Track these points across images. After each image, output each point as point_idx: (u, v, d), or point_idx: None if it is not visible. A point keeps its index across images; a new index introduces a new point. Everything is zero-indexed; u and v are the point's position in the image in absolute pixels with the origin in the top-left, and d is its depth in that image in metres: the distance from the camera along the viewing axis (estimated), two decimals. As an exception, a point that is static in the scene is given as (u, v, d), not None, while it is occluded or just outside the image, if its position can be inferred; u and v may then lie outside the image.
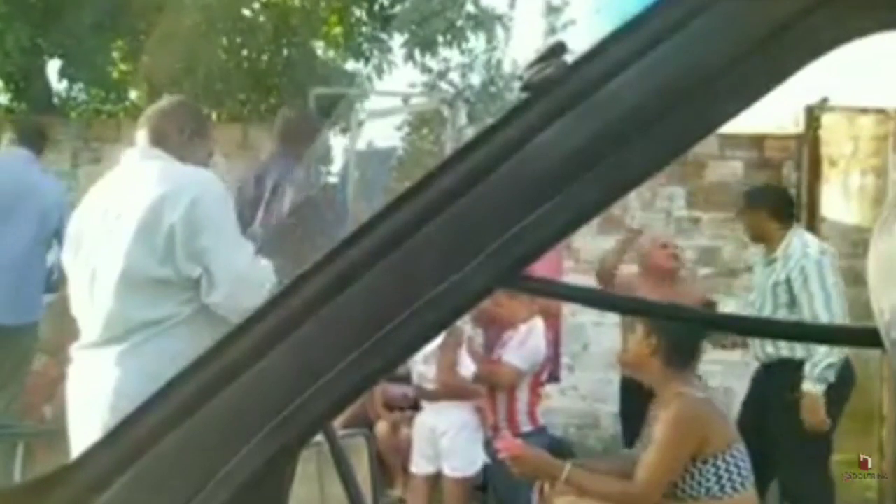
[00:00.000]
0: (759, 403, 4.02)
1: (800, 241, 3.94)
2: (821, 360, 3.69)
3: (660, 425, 2.84)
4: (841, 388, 3.80)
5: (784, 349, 3.88)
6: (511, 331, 4.16)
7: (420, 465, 4.11)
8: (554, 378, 4.70)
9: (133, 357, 2.25)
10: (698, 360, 3.05)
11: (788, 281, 3.84)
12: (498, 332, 4.24)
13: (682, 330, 2.90)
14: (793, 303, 3.86)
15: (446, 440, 4.04)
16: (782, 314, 3.85)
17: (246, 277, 2.33)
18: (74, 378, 2.39)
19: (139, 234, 2.26)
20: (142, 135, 2.49)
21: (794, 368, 3.80)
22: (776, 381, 3.90)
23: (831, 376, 3.71)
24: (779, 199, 4.16)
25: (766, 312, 3.89)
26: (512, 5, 8.64)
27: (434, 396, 4.12)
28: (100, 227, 2.37)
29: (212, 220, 2.31)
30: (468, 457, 4.03)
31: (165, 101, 2.65)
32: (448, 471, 4.03)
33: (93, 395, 2.26)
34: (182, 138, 2.49)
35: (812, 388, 3.72)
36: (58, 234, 4.27)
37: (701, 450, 2.79)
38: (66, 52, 7.75)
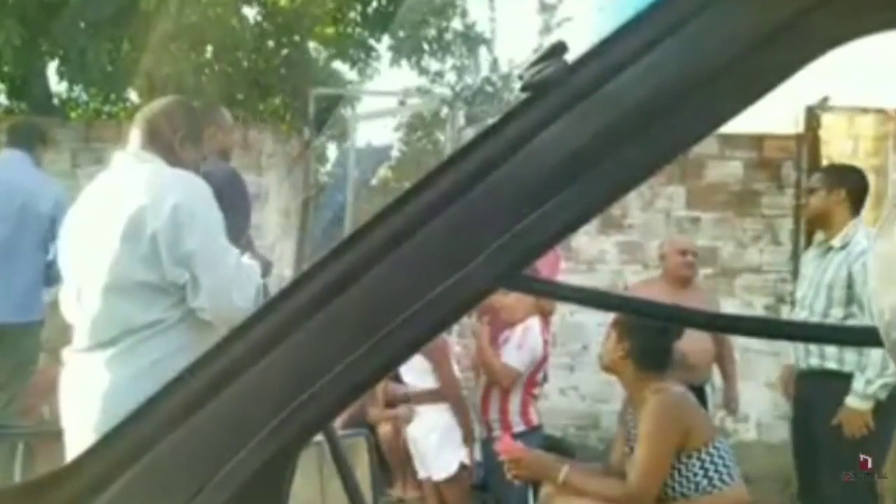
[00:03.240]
0: (803, 415, 3.78)
1: (864, 232, 3.51)
2: (874, 378, 3.39)
3: (643, 422, 2.86)
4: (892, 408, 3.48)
5: (831, 361, 3.55)
6: (508, 330, 4.16)
7: (420, 471, 4.17)
8: (543, 378, 4.70)
9: (122, 361, 2.25)
10: (671, 364, 3.07)
11: (850, 276, 3.46)
12: (498, 329, 4.25)
13: (653, 334, 2.94)
14: (850, 301, 3.49)
15: (423, 446, 4.10)
16: (836, 313, 3.51)
17: (231, 281, 2.32)
18: (67, 381, 2.39)
19: (125, 240, 2.26)
20: (134, 135, 2.48)
21: (839, 381, 3.51)
22: (818, 394, 3.63)
23: (883, 395, 3.41)
24: (860, 182, 3.69)
25: (818, 310, 3.56)
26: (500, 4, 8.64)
27: (422, 399, 4.16)
28: (89, 231, 2.37)
29: (195, 225, 2.28)
30: (444, 458, 4.11)
31: (160, 100, 2.62)
32: (431, 474, 4.12)
33: (84, 399, 2.26)
34: (174, 140, 2.47)
35: (859, 404, 3.43)
36: (55, 234, 4.28)
37: (685, 443, 2.82)
38: (66, 54, 7.75)
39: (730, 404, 4.72)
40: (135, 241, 2.25)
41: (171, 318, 2.29)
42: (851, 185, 3.62)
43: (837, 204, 3.57)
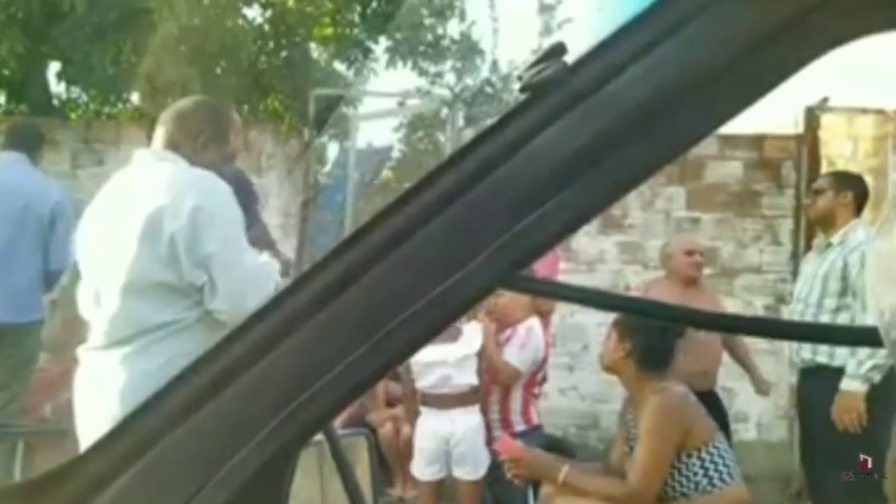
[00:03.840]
0: (803, 412, 3.87)
1: (863, 229, 3.70)
2: (865, 360, 3.42)
3: (643, 422, 2.87)
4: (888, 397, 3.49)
5: (822, 355, 3.63)
6: (509, 330, 4.15)
7: (427, 472, 4.10)
8: (542, 378, 4.68)
9: (136, 360, 2.24)
10: (673, 363, 3.06)
11: (845, 267, 3.59)
12: (499, 328, 4.23)
13: (655, 334, 2.94)
14: (844, 291, 3.60)
15: (457, 445, 4.03)
16: (829, 304, 3.63)
17: (249, 284, 2.30)
18: (81, 380, 2.38)
19: (143, 240, 2.24)
20: (158, 134, 2.46)
21: (831, 374, 3.58)
22: (814, 388, 3.70)
23: (876, 377, 3.44)
24: (863, 187, 3.94)
25: (813, 301, 3.69)
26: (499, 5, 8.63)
27: (443, 403, 4.11)
28: (107, 229, 2.35)
29: (215, 227, 2.26)
30: (478, 459, 4.05)
31: (187, 101, 2.59)
32: (462, 475, 4.04)
33: (98, 398, 2.25)
34: (196, 143, 2.44)
35: (854, 385, 3.46)
36: (55, 234, 4.29)
37: (685, 442, 2.82)
38: (66, 54, 7.75)
39: (760, 386, 4.64)
40: (153, 242, 2.24)
41: (187, 318, 2.28)
42: (857, 190, 3.82)
43: (844, 206, 3.74)
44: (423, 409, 4.20)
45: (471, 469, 4.03)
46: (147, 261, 2.25)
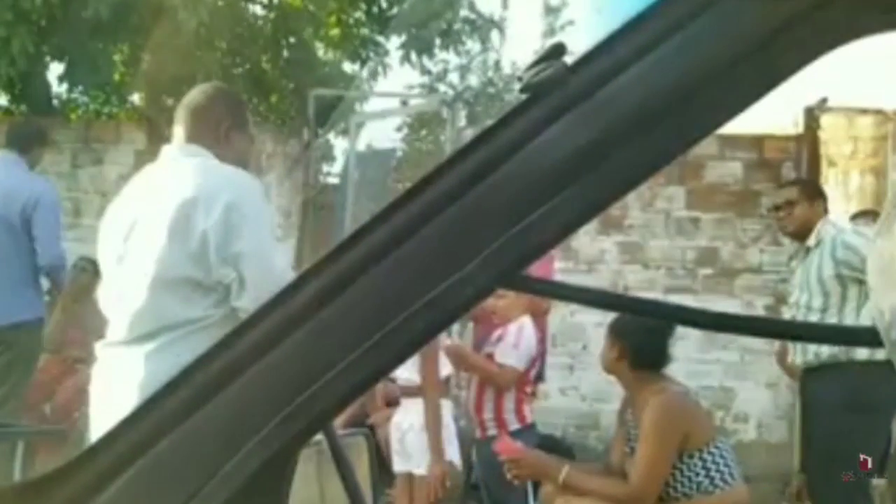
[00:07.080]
0: (810, 411, 3.89)
1: (829, 224, 3.84)
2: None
3: (644, 423, 2.86)
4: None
5: (826, 354, 3.66)
6: (500, 329, 4.14)
7: (398, 464, 4.10)
8: (539, 377, 4.67)
9: (160, 357, 2.20)
10: (668, 362, 3.06)
11: (835, 262, 3.67)
12: (486, 329, 4.22)
13: (645, 334, 2.94)
14: (844, 287, 3.65)
15: (410, 438, 4.03)
16: (834, 302, 3.67)
17: (277, 284, 2.27)
18: (99, 375, 2.36)
19: (174, 235, 2.22)
20: (178, 130, 2.42)
21: (835, 374, 3.62)
22: (818, 387, 3.74)
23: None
24: (823, 195, 4.09)
25: (817, 306, 3.72)
26: (505, 5, 8.63)
27: (414, 392, 4.09)
28: (134, 224, 2.32)
29: (247, 226, 2.24)
30: (419, 454, 4.03)
31: (201, 90, 2.53)
32: (415, 469, 4.03)
33: (117, 394, 2.22)
34: (219, 133, 2.41)
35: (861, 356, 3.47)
36: (49, 233, 4.29)
37: (686, 442, 2.82)
38: (67, 55, 7.75)
39: None
40: (184, 237, 2.22)
41: (211, 316, 2.25)
42: (821, 198, 4.00)
43: (814, 215, 3.89)
44: (402, 399, 4.14)
45: (420, 462, 3.98)
46: (176, 256, 2.23)
